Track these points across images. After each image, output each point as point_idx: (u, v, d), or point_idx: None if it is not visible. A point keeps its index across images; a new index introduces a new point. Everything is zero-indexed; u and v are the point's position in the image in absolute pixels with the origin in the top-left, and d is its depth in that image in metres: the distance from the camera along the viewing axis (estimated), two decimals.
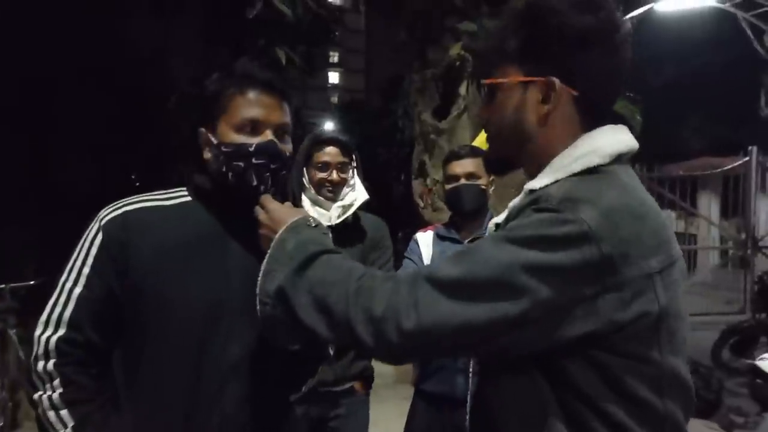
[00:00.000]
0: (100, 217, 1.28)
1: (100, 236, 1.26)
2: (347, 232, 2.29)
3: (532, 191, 1.03)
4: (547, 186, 1.01)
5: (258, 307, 1.10)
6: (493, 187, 2.48)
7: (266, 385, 1.33)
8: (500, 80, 1.09)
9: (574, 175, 1.00)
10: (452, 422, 2.28)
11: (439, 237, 2.48)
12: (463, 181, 2.39)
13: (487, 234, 1.18)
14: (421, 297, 0.93)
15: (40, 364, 1.21)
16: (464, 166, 2.40)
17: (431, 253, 2.45)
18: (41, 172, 9.43)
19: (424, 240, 2.50)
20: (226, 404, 1.27)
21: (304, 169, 2.33)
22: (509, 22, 1.09)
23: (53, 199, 9.39)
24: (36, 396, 1.20)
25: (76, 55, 8.87)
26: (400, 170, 9.96)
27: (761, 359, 2.93)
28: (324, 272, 1.04)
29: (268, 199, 1.24)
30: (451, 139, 5.14)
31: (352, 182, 2.32)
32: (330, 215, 2.26)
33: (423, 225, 5.12)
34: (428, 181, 5.38)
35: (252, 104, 1.30)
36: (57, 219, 8.93)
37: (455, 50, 5.04)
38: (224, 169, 1.30)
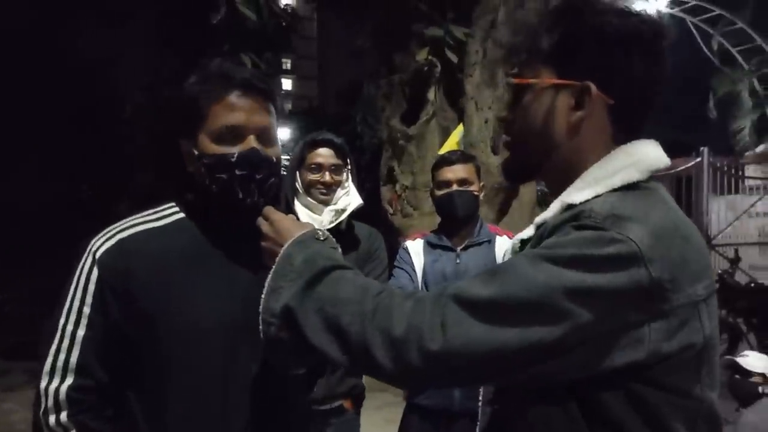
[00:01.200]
0: (93, 249, 1.17)
1: (96, 271, 1.15)
2: (340, 239, 2.20)
3: (570, 206, 0.93)
4: (588, 201, 0.91)
5: (261, 328, 0.98)
6: (484, 193, 2.45)
7: (289, 397, 1.27)
8: (530, 80, 1.00)
9: (615, 190, 0.91)
10: None
11: (430, 245, 2.42)
12: (455, 187, 2.34)
13: (509, 252, 1.09)
14: (448, 318, 0.84)
15: (52, 418, 1.11)
16: (456, 171, 2.35)
17: (422, 262, 2.38)
18: None
19: (414, 248, 2.43)
20: (254, 424, 1.20)
21: (297, 173, 2.24)
22: (544, 17, 1.00)
23: (2, 212, 8.99)
24: None
25: (18, 61, 8.54)
26: (362, 177, 9.89)
27: (741, 356, 2.98)
28: (336, 289, 0.93)
29: (271, 210, 1.13)
30: (419, 144, 5.12)
31: (346, 186, 2.23)
32: (321, 219, 2.17)
33: (391, 231, 5.12)
34: (397, 187, 5.34)
35: (231, 109, 1.19)
36: (9, 232, 8.57)
37: (422, 56, 5.01)
38: (208, 182, 1.20)
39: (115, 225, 1.21)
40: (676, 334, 0.83)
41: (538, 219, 0.98)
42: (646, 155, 0.95)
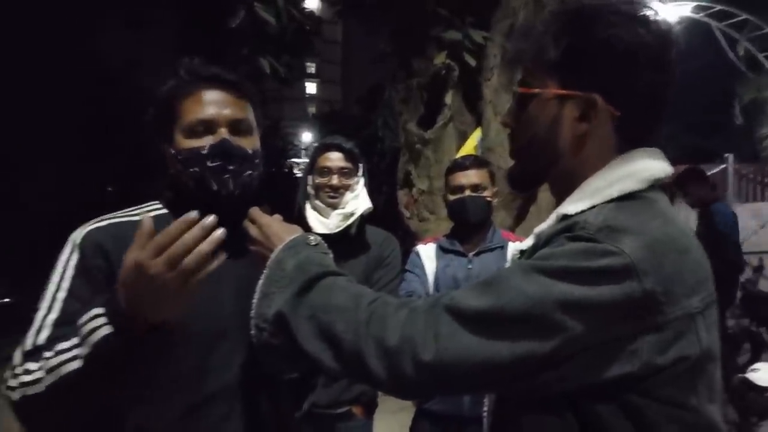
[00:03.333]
0: (72, 238, 1.18)
1: (75, 256, 1.15)
2: (349, 244, 2.20)
3: (565, 216, 0.93)
4: (582, 212, 0.91)
5: (253, 332, 0.98)
6: (499, 199, 2.43)
7: (270, 407, 1.25)
8: (535, 90, 0.98)
9: (612, 200, 0.91)
10: None
11: (442, 249, 2.41)
12: (468, 192, 2.33)
13: (509, 263, 1.08)
14: (441, 328, 0.84)
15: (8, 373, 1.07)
16: (469, 177, 2.34)
17: (434, 267, 2.38)
18: (11, 186, 9.20)
19: (426, 253, 2.43)
20: (224, 427, 1.18)
21: (309, 177, 2.25)
22: (550, 26, 0.97)
23: (24, 214, 9.15)
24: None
25: (44, 66, 8.69)
26: (381, 181, 9.92)
27: (752, 370, 2.91)
28: (328, 297, 0.93)
29: (257, 213, 1.12)
30: (436, 149, 5.09)
31: (356, 190, 2.23)
32: (329, 223, 2.17)
33: (408, 235, 5.10)
34: (414, 191, 5.32)
35: (200, 104, 1.21)
36: (27, 235, 8.72)
37: (440, 59, 4.99)
38: (184, 179, 1.21)
39: (94, 219, 1.22)
40: (671, 347, 0.82)
41: (537, 229, 0.98)
42: (646, 165, 0.93)
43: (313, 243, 1.06)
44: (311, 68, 44.59)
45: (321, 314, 0.91)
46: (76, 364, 0.98)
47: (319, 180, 2.22)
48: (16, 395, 1.03)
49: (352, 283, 0.98)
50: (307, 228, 2.06)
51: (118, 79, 9.90)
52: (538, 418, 0.88)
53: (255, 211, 1.13)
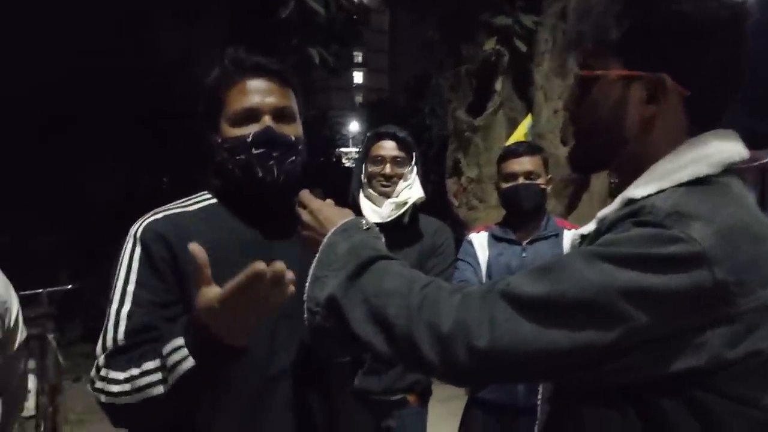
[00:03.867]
0: (132, 233, 1.21)
1: (138, 248, 1.19)
2: (402, 232, 2.19)
3: (631, 201, 0.89)
4: (650, 196, 0.86)
5: (306, 316, 0.98)
6: (552, 186, 2.39)
7: (325, 387, 1.27)
8: (598, 73, 0.94)
9: (682, 185, 0.86)
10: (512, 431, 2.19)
11: (494, 238, 2.39)
12: (521, 180, 2.29)
13: (569, 248, 1.04)
14: (497, 314, 0.81)
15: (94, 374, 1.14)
16: (522, 164, 2.30)
17: (487, 255, 2.35)
18: (71, 177, 9.55)
19: (479, 241, 2.40)
20: (288, 410, 1.21)
21: (363, 165, 2.26)
22: (611, 5, 0.93)
23: (83, 204, 9.50)
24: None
25: (103, 60, 8.97)
26: (428, 169, 9.87)
27: None
28: (381, 281, 0.92)
29: (309, 198, 1.12)
30: (486, 136, 5.03)
31: (409, 179, 2.22)
32: (382, 212, 2.17)
33: (456, 224, 5.07)
34: (463, 179, 5.28)
35: (245, 92, 1.23)
36: (88, 223, 9.06)
37: (489, 45, 4.92)
38: (230, 166, 1.24)
39: (150, 212, 1.25)
40: (743, 341, 0.78)
41: (600, 214, 0.94)
42: (720, 147, 0.88)
43: (366, 227, 1.05)
44: (358, 58, 44.68)
45: (373, 298, 0.91)
46: (160, 389, 1.05)
47: (372, 168, 2.22)
48: (102, 398, 1.11)
49: (404, 267, 0.97)
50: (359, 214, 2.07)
51: (173, 71, 10.14)
52: (597, 411, 0.85)
53: (307, 196, 1.13)
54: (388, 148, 2.22)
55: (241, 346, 1.02)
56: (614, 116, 0.93)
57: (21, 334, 1.41)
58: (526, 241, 2.33)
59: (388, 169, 2.19)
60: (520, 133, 4.56)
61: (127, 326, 1.14)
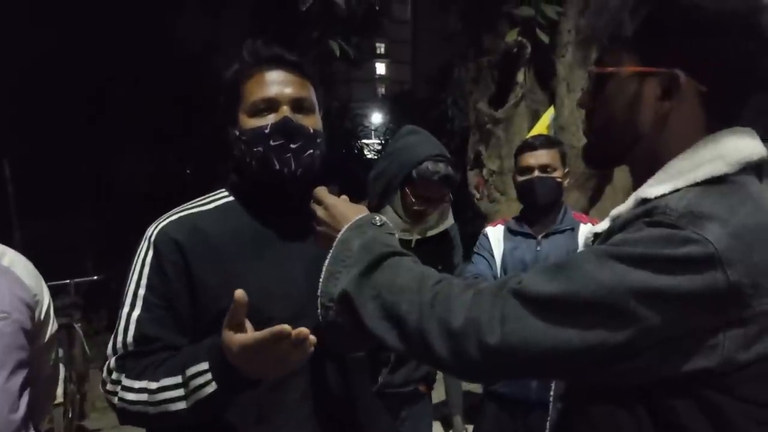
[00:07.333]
0: (147, 235, 1.23)
1: (150, 252, 1.20)
2: (439, 244, 2.20)
3: (645, 200, 0.88)
4: (664, 195, 0.85)
5: (320, 311, 1.00)
6: (569, 180, 2.37)
7: (345, 384, 1.28)
8: (611, 69, 0.93)
9: (697, 184, 0.85)
10: (526, 426, 2.19)
11: (510, 231, 2.38)
12: (537, 173, 2.28)
13: (582, 246, 1.03)
14: (508, 312, 0.82)
15: (106, 376, 1.19)
16: (538, 157, 2.29)
17: (502, 249, 2.35)
18: (98, 168, 9.70)
19: (495, 235, 2.40)
20: (304, 404, 1.23)
21: (404, 188, 2.09)
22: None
23: (110, 194, 9.65)
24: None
25: (130, 51, 9.07)
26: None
27: None
28: (394, 276, 0.93)
29: (324, 194, 1.13)
30: (508, 128, 4.99)
31: (441, 208, 2.15)
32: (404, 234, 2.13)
33: (477, 216, 5.05)
34: (484, 171, 5.25)
35: (263, 84, 1.23)
36: (114, 213, 9.20)
37: (512, 36, 4.87)
38: (248, 159, 1.23)
39: (167, 213, 1.27)
40: (756, 343, 0.77)
41: (614, 212, 0.93)
42: (738, 146, 0.86)
43: (379, 223, 1.05)
44: (381, 49, 44.57)
45: (386, 294, 0.91)
46: (181, 405, 1.09)
47: (415, 207, 2.07)
48: (116, 402, 1.15)
49: (417, 263, 0.97)
50: None
51: (197, 63, 10.22)
52: (609, 409, 0.85)
53: (321, 192, 1.14)
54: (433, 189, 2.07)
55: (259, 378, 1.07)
56: (628, 113, 0.93)
57: (52, 326, 1.44)
58: (542, 234, 2.32)
59: (428, 209, 2.11)
60: (542, 126, 4.52)
61: (135, 332, 1.17)
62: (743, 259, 0.76)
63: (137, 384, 1.12)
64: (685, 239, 0.77)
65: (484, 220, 4.77)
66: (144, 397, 1.11)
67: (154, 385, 1.10)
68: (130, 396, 1.12)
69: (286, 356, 0.99)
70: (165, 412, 1.09)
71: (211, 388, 1.05)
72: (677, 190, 0.85)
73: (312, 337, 0.98)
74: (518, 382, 2.19)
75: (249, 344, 0.98)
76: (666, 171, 0.89)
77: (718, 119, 0.89)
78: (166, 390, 1.09)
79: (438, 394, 2.97)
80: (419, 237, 2.14)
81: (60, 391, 4.16)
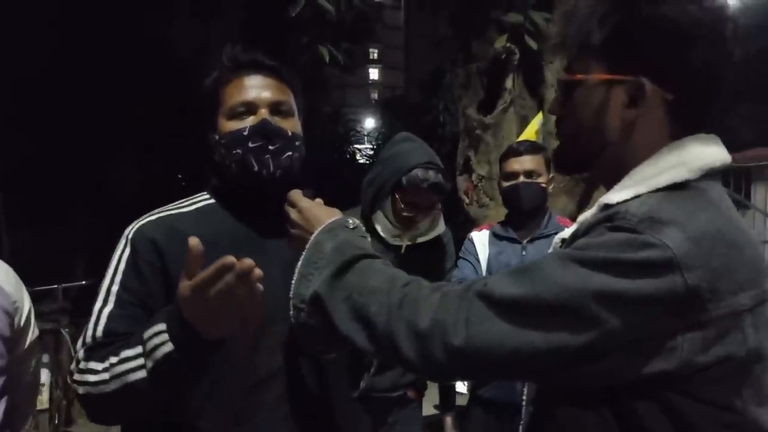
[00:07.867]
0: (125, 233, 1.23)
1: (127, 250, 1.21)
2: (431, 250, 2.21)
3: (608, 206, 0.90)
4: (626, 201, 0.87)
5: (291, 313, 1.01)
6: (552, 185, 2.39)
7: (323, 387, 1.28)
8: (579, 77, 0.95)
9: (659, 190, 0.87)
10: (512, 430, 2.20)
11: (495, 236, 2.40)
12: (522, 178, 2.30)
13: (551, 250, 1.06)
14: (473, 314, 0.83)
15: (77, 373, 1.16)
16: (523, 163, 2.31)
17: (487, 253, 2.37)
18: (87, 173, 9.66)
19: (480, 239, 2.42)
20: (281, 406, 1.22)
21: (395, 194, 2.11)
22: (596, 8, 0.93)
23: (100, 199, 9.61)
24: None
25: (120, 57, 9.06)
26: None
27: None
28: (364, 278, 0.95)
29: (298, 197, 1.15)
30: (497, 134, 5.01)
31: (431, 215, 2.18)
32: (394, 240, 2.16)
33: (467, 222, 5.07)
34: (473, 177, 5.27)
35: (241, 88, 1.25)
36: (104, 219, 9.16)
37: (500, 43, 4.90)
38: (227, 162, 1.25)
39: (147, 213, 1.27)
40: (713, 346, 0.79)
41: (581, 217, 0.96)
42: (701, 153, 0.88)
43: (352, 226, 1.07)
44: (374, 54, 44.67)
45: (356, 296, 0.93)
46: (140, 374, 1.06)
47: (405, 213, 2.11)
48: (81, 390, 1.13)
49: (388, 265, 0.99)
50: (371, 229, 2.07)
51: (188, 69, 10.21)
52: (575, 412, 0.87)
53: (295, 195, 1.16)
54: (423, 197, 2.10)
55: (216, 339, 1.04)
56: (596, 120, 0.94)
57: (32, 333, 1.43)
58: (527, 239, 2.34)
59: (418, 216, 2.14)
60: (531, 131, 4.54)
61: (105, 327, 1.16)
62: (702, 264, 0.78)
63: (101, 365, 1.10)
64: (644, 243, 0.79)
65: (474, 225, 4.79)
66: (106, 375, 1.09)
67: (114, 359, 1.09)
68: (93, 378, 1.10)
69: (234, 296, 0.97)
70: (125, 385, 1.06)
71: (168, 347, 1.03)
72: (639, 196, 0.87)
73: (258, 271, 0.97)
74: (504, 385, 2.20)
75: (197, 285, 0.97)
76: (631, 177, 0.91)
77: (683, 126, 0.92)
78: (127, 361, 1.07)
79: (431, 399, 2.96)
80: (409, 243, 2.15)
81: (46, 396, 4.14)
